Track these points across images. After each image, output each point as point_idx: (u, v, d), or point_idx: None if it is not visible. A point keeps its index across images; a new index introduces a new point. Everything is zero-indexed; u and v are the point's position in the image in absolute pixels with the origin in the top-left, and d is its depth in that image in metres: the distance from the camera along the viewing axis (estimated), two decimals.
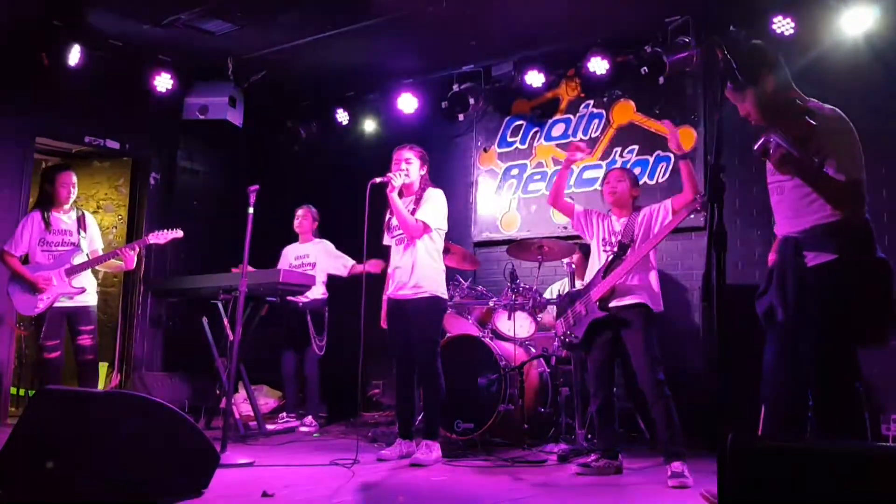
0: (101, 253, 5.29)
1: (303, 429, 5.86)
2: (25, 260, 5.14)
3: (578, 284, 4.68)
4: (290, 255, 6.32)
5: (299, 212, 6.38)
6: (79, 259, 5.14)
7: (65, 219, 5.22)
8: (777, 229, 3.02)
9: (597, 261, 4.28)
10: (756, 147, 2.77)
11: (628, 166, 5.78)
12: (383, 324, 4.75)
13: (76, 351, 5.10)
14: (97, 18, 5.81)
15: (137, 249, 5.19)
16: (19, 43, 5.79)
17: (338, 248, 6.32)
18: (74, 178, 5.26)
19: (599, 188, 5.84)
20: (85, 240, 5.22)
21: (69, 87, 6.04)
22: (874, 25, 4.91)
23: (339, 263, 6.24)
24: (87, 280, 5.19)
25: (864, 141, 2.90)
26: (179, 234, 5.23)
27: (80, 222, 5.26)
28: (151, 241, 5.16)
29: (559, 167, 6.37)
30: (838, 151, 2.79)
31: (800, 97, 2.96)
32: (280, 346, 6.18)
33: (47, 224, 5.13)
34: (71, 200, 5.24)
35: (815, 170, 2.73)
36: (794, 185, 2.87)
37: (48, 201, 5.21)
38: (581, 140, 6.31)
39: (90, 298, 5.19)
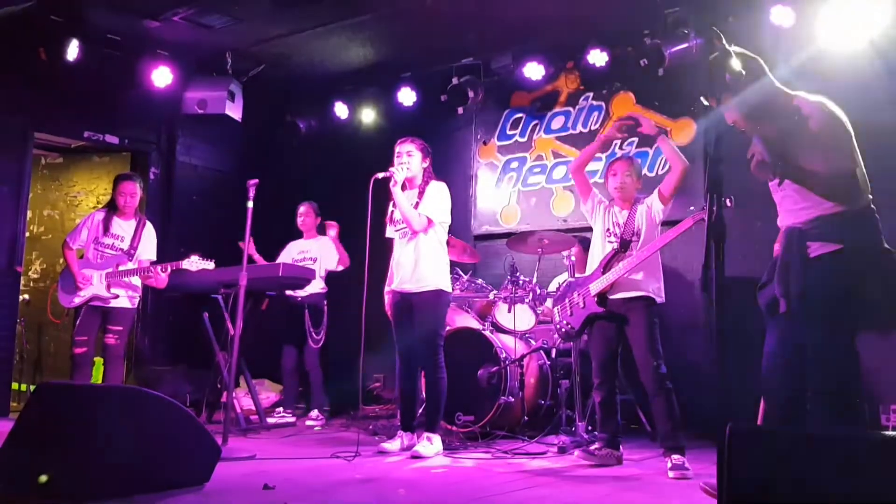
0: (151, 263, 5.35)
1: (308, 423, 5.87)
2: (82, 255, 5.34)
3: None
4: (294, 250, 6.30)
5: (301, 209, 6.36)
6: (123, 266, 5.25)
7: (123, 224, 5.38)
8: (780, 222, 3.02)
9: (600, 250, 4.27)
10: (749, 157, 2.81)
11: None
12: (388, 310, 4.73)
13: (102, 348, 5.25)
14: (95, 13, 5.80)
15: (169, 270, 5.22)
16: (17, 38, 5.78)
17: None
18: (135, 188, 5.37)
19: (600, 179, 5.86)
20: (136, 249, 5.34)
21: (68, 82, 6.04)
22: (875, 19, 4.89)
23: (335, 260, 6.24)
24: (131, 285, 5.30)
25: (861, 133, 2.89)
26: (211, 265, 5.23)
27: (137, 231, 5.39)
28: (184, 267, 5.16)
29: (560, 159, 6.42)
30: (825, 145, 2.79)
31: (784, 92, 2.96)
32: (281, 341, 6.20)
33: (105, 226, 5.32)
34: (131, 208, 5.38)
35: (782, 177, 2.75)
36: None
37: (112, 205, 5.40)
38: (581, 132, 6.32)
39: (126, 301, 5.30)
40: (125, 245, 5.31)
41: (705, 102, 2.88)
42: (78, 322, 5.22)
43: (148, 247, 5.42)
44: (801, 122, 2.83)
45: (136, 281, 5.33)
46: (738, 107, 2.93)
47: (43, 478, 2.92)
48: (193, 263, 5.14)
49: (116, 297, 5.21)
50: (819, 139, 2.79)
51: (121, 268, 5.23)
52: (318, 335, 6.07)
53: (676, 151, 4.10)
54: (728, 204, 3.63)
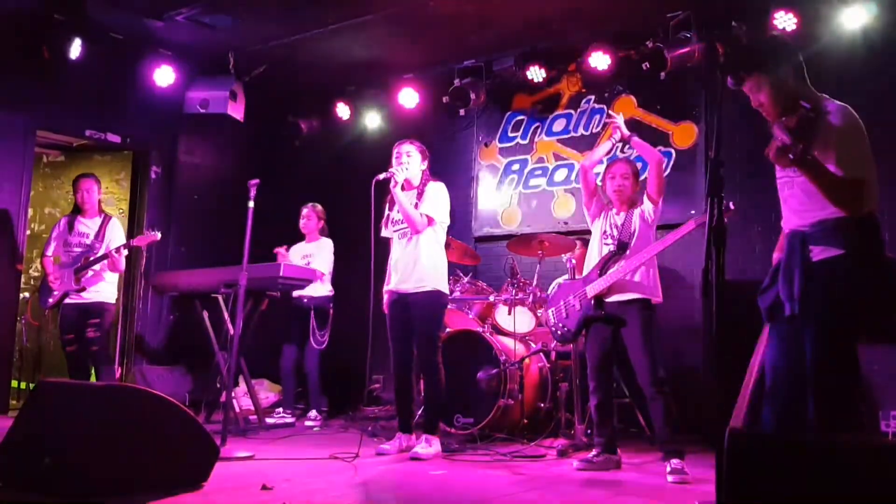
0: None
1: (307, 423, 5.87)
2: (59, 261, 5.54)
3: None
4: (297, 255, 6.29)
5: (304, 211, 6.34)
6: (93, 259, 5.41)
7: (87, 223, 5.57)
8: (784, 224, 3.02)
9: (596, 252, 4.26)
10: (767, 151, 2.77)
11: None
12: (385, 310, 4.73)
13: (85, 342, 5.37)
14: (98, 12, 5.81)
15: (122, 252, 5.40)
16: (20, 36, 5.78)
17: (337, 241, 6.32)
18: (91, 184, 5.59)
19: (599, 182, 5.87)
20: (101, 243, 5.48)
21: (70, 80, 6.06)
22: (872, 21, 4.92)
23: (326, 264, 6.24)
24: (102, 279, 5.45)
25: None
26: (157, 236, 5.44)
27: (102, 227, 5.56)
28: (134, 244, 5.43)
29: (561, 162, 6.41)
30: (840, 147, 2.78)
31: (812, 92, 2.96)
32: (281, 341, 6.19)
33: (70, 226, 5.55)
34: (91, 205, 5.57)
35: (801, 156, 2.70)
36: (804, 180, 2.86)
37: (75, 206, 5.63)
38: (583, 135, 6.32)
39: (101, 295, 5.45)
40: (90, 241, 5.48)
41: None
42: (60, 322, 5.42)
43: (115, 238, 5.54)
44: (823, 118, 2.83)
45: (110, 277, 5.47)
46: (770, 88, 2.92)
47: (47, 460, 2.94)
48: (141, 240, 5.39)
49: (84, 289, 5.34)
50: (837, 139, 2.78)
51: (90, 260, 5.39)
52: (322, 336, 6.09)
53: (648, 147, 4.15)
54: (731, 207, 3.63)
